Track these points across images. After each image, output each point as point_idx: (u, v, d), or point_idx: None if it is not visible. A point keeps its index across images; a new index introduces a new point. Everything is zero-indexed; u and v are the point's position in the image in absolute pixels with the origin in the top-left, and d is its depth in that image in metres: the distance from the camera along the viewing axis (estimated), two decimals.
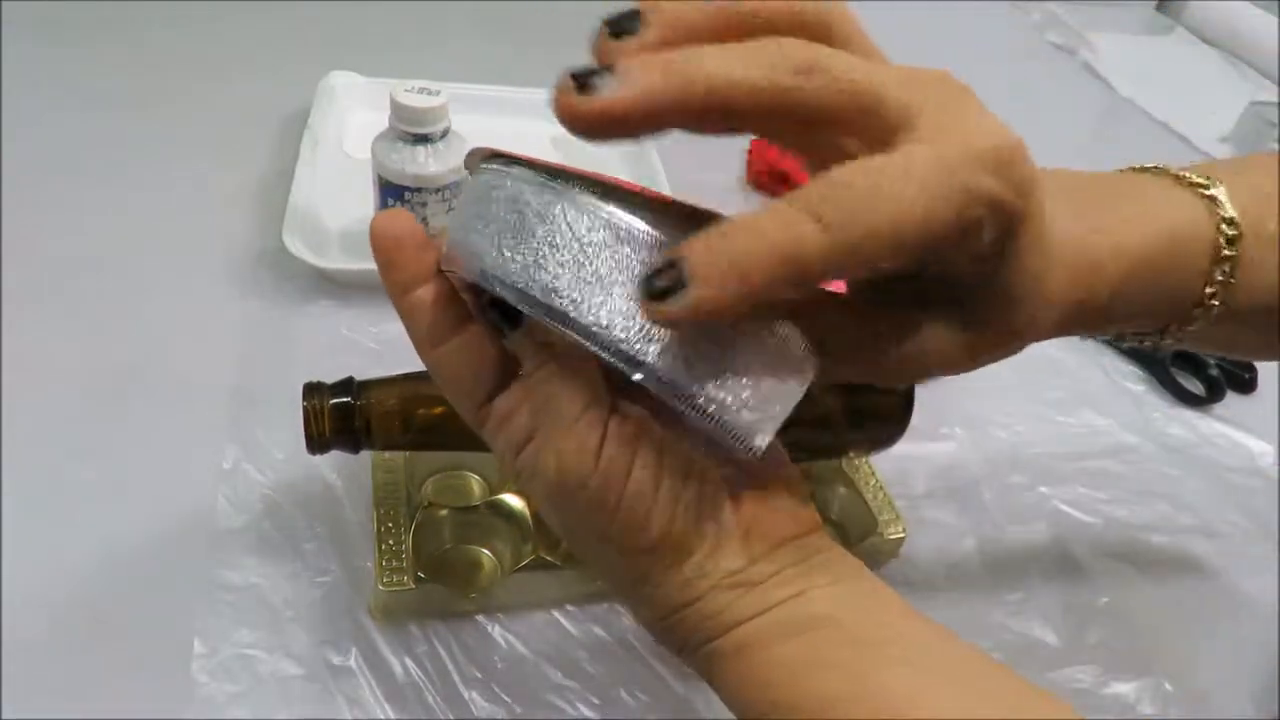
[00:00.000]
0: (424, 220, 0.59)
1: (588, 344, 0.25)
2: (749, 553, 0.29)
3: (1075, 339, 0.68)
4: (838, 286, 0.30)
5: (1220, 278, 0.36)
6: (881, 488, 0.51)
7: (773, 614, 0.29)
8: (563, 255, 0.25)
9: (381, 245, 0.31)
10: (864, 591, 0.31)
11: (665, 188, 0.71)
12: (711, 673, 0.30)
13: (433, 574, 0.44)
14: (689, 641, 0.30)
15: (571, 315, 0.25)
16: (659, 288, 0.23)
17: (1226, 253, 0.36)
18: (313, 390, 0.42)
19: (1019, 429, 0.59)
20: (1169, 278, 0.36)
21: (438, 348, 0.31)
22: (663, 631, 0.30)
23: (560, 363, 0.28)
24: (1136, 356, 0.66)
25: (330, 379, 0.43)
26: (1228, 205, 0.37)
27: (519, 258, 0.26)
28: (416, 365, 0.45)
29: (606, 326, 0.25)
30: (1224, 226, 0.36)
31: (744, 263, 0.22)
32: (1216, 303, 0.36)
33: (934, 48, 1.20)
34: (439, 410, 0.44)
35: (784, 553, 0.30)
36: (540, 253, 0.26)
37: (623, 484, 0.27)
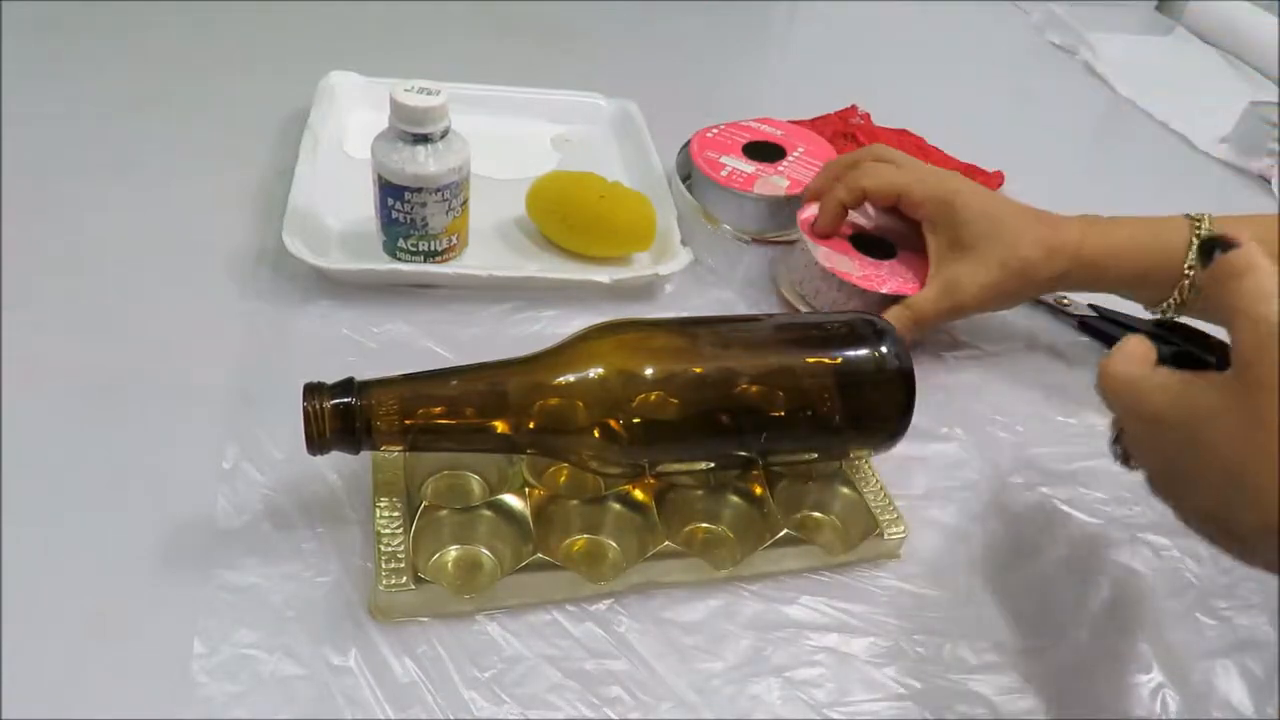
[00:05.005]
0: (424, 220, 0.59)
1: None
2: None
3: (1082, 340, 0.68)
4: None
5: (1193, 263, 0.56)
6: (882, 488, 0.51)
7: None
8: None
9: None
10: None
11: (657, 167, 0.71)
12: None
13: (433, 574, 0.44)
14: None
15: None
16: None
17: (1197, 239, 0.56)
18: (313, 390, 0.42)
19: (1019, 429, 0.59)
20: (1151, 256, 0.58)
21: None
22: None
23: None
24: None
25: (330, 379, 0.43)
26: (1205, 219, 0.57)
27: None
28: (416, 365, 0.45)
29: None
30: (1197, 227, 0.57)
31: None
32: (1192, 274, 0.56)
33: (935, 47, 1.21)
34: (439, 410, 0.44)
35: None
36: None
37: None
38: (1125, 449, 0.42)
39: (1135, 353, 0.41)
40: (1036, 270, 0.58)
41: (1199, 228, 0.57)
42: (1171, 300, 0.58)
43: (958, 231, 0.59)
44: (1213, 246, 0.38)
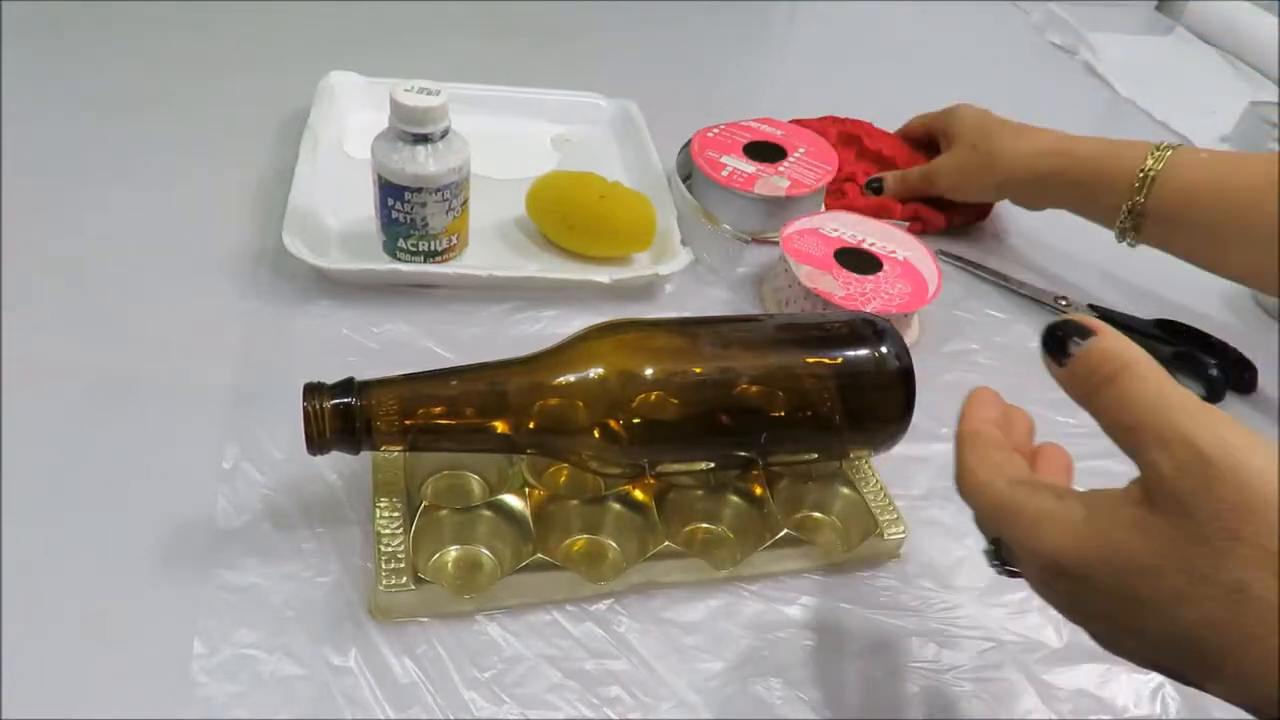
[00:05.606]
0: (424, 220, 0.59)
1: None
2: None
3: None
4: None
5: (1150, 164, 0.61)
6: (882, 488, 0.51)
7: None
8: None
9: None
10: None
11: (657, 167, 0.71)
12: None
13: (433, 574, 0.44)
14: None
15: None
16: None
17: (1155, 156, 0.62)
18: (313, 391, 0.42)
19: None
20: (1112, 163, 0.64)
21: None
22: None
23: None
24: None
25: (330, 379, 0.43)
26: (1165, 150, 0.62)
27: None
28: (416, 365, 0.45)
29: None
30: (1156, 149, 0.62)
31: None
32: (1149, 175, 0.61)
33: (935, 47, 1.21)
34: (439, 410, 0.44)
35: None
36: None
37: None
38: (1009, 562, 0.34)
39: (984, 435, 0.34)
40: (1003, 150, 0.69)
41: (1159, 152, 0.62)
42: (1125, 209, 0.63)
43: (952, 131, 0.74)
44: (1064, 335, 0.30)
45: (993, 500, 0.32)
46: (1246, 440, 0.27)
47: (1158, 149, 0.62)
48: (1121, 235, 0.65)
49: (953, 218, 0.76)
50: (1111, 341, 0.30)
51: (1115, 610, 0.29)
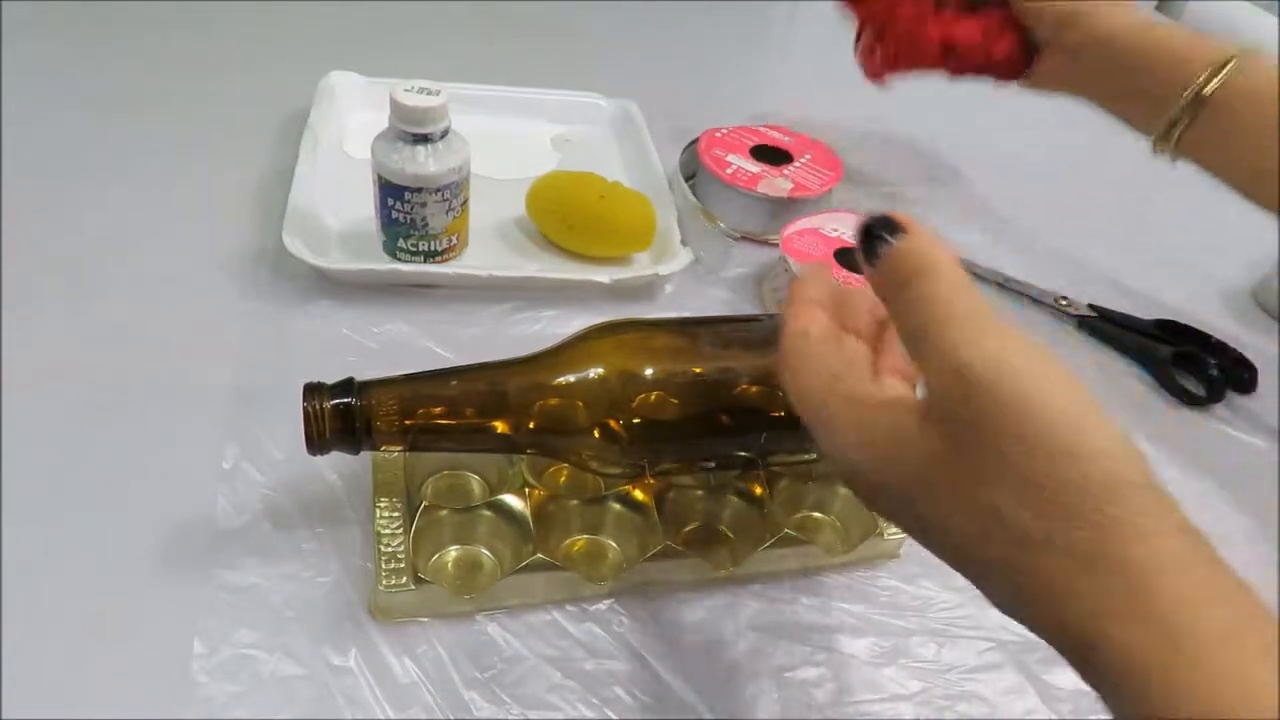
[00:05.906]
0: (424, 220, 0.59)
1: None
2: None
3: (1083, 341, 0.68)
4: None
5: (1233, 51, 0.54)
6: None
7: None
8: None
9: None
10: None
11: (657, 167, 0.71)
12: None
13: (433, 574, 0.44)
14: None
15: None
16: None
17: (1238, 52, 0.54)
18: (313, 391, 0.42)
19: None
20: (1192, 39, 0.57)
21: None
22: None
23: None
24: (1137, 357, 0.66)
25: (330, 379, 0.42)
26: (1229, 62, 0.54)
27: None
28: (416, 365, 0.45)
29: None
30: (1223, 63, 0.54)
31: None
32: (1228, 60, 0.54)
33: None
34: (439, 410, 0.44)
35: None
36: None
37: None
38: None
39: (811, 333, 0.33)
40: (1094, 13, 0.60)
41: (1224, 63, 0.54)
42: (1192, 91, 0.55)
43: None
44: (876, 232, 0.28)
45: (804, 400, 0.32)
46: (1022, 362, 0.26)
47: (1231, 54, 0.56)
48: (1168, 133, 0.58)
49: (991, 51, 0.70)
50: (916, 241, 0.28)
51: (903, 517, 0.30)
